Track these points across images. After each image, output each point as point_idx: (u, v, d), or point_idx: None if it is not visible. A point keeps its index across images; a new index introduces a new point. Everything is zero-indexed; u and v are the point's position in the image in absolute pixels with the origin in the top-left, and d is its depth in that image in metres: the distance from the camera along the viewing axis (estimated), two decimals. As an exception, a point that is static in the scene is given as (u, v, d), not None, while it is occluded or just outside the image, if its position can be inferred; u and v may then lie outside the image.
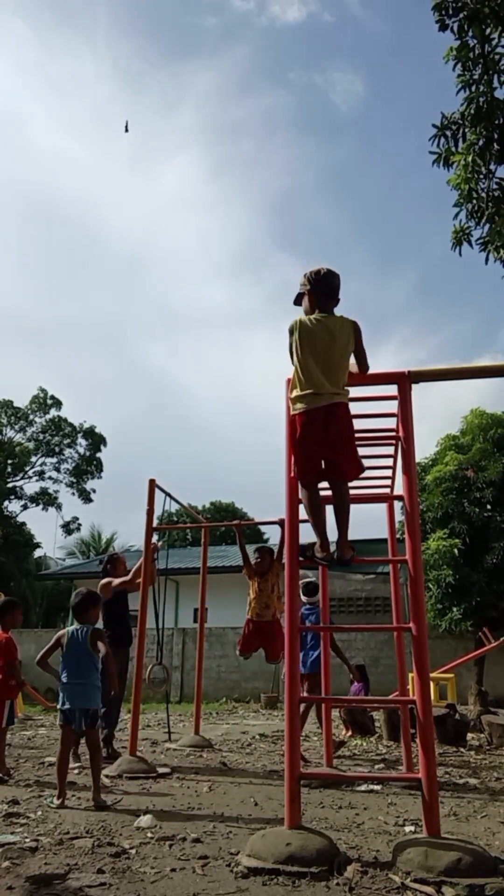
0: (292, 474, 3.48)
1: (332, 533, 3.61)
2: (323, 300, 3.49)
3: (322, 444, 3.33)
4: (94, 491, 29.73)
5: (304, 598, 6.72)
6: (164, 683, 7.14)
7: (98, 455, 29.95)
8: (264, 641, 6.26)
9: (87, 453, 29.86)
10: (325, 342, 3.37)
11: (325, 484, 3.64)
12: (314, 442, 3.32)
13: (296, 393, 3.38)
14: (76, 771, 5.25)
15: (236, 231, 67.57)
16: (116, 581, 6.29)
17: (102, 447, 30.10)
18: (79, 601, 4.66)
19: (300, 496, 3.53)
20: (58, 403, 29.61)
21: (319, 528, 3.49)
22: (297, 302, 3.62)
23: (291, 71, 64.30)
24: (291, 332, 3.44)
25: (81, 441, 29.84)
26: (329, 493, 3.58)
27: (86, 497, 29.61)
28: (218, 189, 67.94)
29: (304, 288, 3.54)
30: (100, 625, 5.33)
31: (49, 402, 29.51)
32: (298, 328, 3.41)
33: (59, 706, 4.42)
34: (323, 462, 3.43)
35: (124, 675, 6.20)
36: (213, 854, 3.08)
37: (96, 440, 29.93)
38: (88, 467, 29.63)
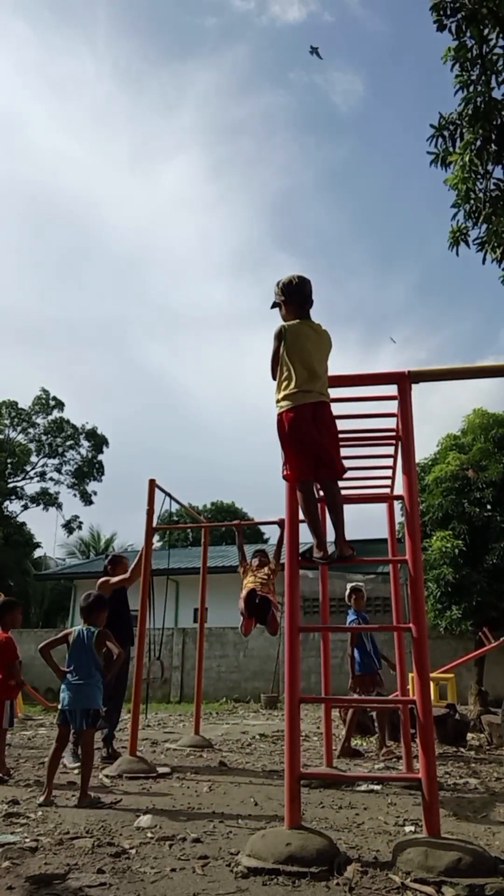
0: (285, 473, 3.50)
1: (331, 534, 3.62)
2: (298, 308, 3.61)
3: (311, 440, 3.40)
4: (94, 493, 29.79)
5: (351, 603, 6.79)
6: (158, 680, 7.09)
7: (100, 457, 29.97)
8: (261, 614, 6.02)
9: (90, 455, 29.86)
10: (313, 344, 3.50)
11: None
12: (304, 435, 3.38)
13: (283, 392, 3.45)
14: (76, 771, 5.25)
15: (236, 231, 67.64)
16: (114, 579, 6.27)
17: (104, 448, 30.13)
18: (89, 603, 4.69)
19: (297, 496, 3.55)
20: (60, 405, 29.63)
21: (316, 527, 3.53)
22: (274, 307, 3.74)
23: (291, 71, 64.40)
24: (279, 337, 3.52)
25: (84, 442, 29.86)
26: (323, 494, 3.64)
27: (87, 499, 29.63)
28: (218, 189, 68.02)
29: (279, 298, 3.65)
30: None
31: (51, 402, 29.54)
32: (286, 332, 3.51)
33: (59, 705, 4.44)
34: (314, 462, 3.48)
35: (125, 675, 6.17)
36: (213, 854, 3.08)
37: (98, 441, 29.92)
38: (90, 469, 29.62)
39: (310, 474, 3.50)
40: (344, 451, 4.77)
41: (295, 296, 3.60)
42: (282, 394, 3.45)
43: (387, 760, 6.20)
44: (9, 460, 27.95)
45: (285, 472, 3.52)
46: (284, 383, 3.46)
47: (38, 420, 29.51)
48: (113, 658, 4.69)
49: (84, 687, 4.38)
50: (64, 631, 4.70)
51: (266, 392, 3.74)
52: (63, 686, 4.45)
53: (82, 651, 4.48)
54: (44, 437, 29.44)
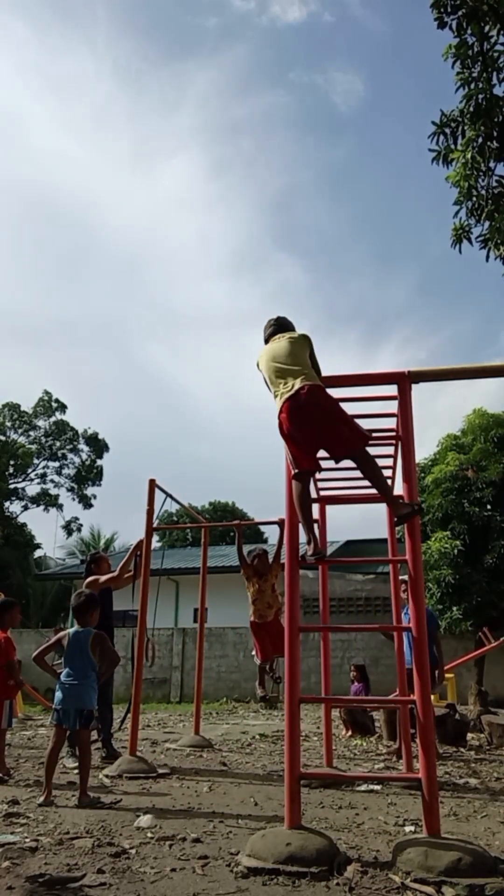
0: (295, 469, 3.53)
1: (334, 534, 3.60)
2: (266, 341, 4.00)
3: (310, 424, 3.49)
4: (94, 497, 29.82)
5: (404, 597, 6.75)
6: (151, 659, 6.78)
7: (100, 462, 29.99)
8: (272, 640, 6.08)
9: (89, 460, 29.89)
10: (281, 348, 3.76)
11: (327, 482, 3.67)
12: (302, 422, 3.48)
13: (276, 402, 3.62)
14: (75, 771, 5.25)
15: (236, 230, 67.62)
16: (103, 578, 6.15)
17: (105, 454, 30.16)
18: (80, 602, 4.68)
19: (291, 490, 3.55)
20: (62, 407, 29.67)
21: (307, 522, 3.56)
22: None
23: (292, 71, 64.28)
24: (258, 364, 3.87)
25: (84, 447, 29.90)
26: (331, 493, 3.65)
27: (86, 503, 29.64)
28: (218, 188, 67.98)
29: (269, 330, 4.01)
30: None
31: (54, 405, 29.57)
32: (261, 355, 3.86)
33: (53, 705, 4.44)
34: (322, 446, 3.57)
35: (111, 675, 6.09)
36: (213, 854, 3.07)
37: (98, 447, 29.95)
38: (89, 474, 29.65)
39: (306, 465, 3.54)
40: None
41: (280, 327, 4.00)
42: (277, 400, 3.63)
43: (387, 760, 6.19)
44: (11, 462, 27.97)
45: (295, 469, 3.56)
46: (274, 397, 3.68)
47: (40, 422, 29.57)
48: (110, 660, 4.68)
49: (78, 687, 4.38)
50: (56, 636, 4.69)
51: (266, 391, 3.77)
52: (57, 685, 4.45)
53: (77, 652, 4.48)
54: (45, 440, 29.47)
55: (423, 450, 14.15)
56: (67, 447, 29.56)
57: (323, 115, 65.49)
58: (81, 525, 30.09)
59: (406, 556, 3.36)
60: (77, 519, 29.98)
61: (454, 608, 11.30)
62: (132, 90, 68.68)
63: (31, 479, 29.38)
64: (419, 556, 3.34)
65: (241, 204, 69.11)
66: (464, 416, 12.99)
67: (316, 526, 4.97)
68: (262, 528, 35.87)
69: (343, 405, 3.63)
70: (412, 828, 3.60)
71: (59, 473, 29.61)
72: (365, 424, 4.33)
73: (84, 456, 29.87)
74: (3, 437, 28.50)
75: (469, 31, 6.09)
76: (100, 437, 30.04)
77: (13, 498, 28.52)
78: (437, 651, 6.59)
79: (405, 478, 3.50)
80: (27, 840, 3.27)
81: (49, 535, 66.85)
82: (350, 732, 8.26)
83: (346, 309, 69.00)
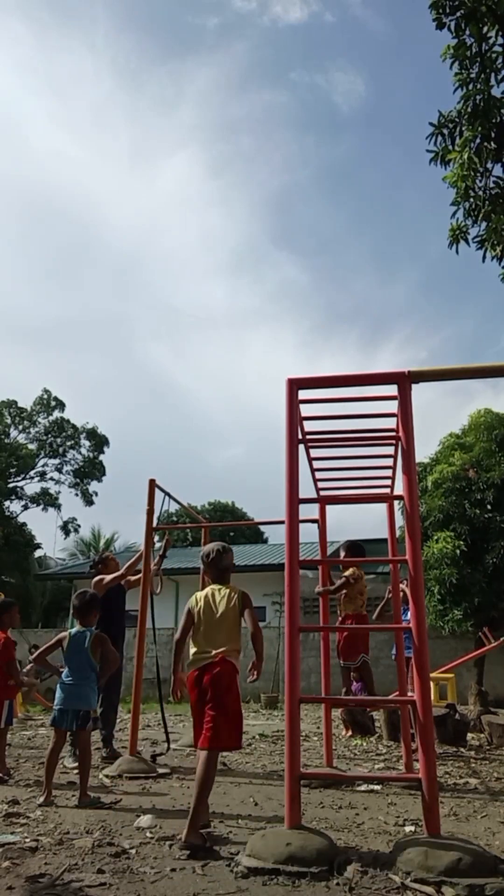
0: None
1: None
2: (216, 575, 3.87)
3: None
4: (95, 494, 29.82)
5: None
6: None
7: (101, 457, 30.00)
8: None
9: (91, 455, 29.90)
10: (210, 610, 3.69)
11: (327, 482, 3.65)
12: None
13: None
14: (75, 771, 5.25)
15: (236, 229, 67.55)
16: (108, 578, 6.18)
17: (105, 448, 30.17)
18: (83, 602, 4.69)
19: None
20: (61, 405, 29.69)
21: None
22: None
23: (293, 70, 64.22)
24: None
25: (84, 442, 29.90)
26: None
27: (88, 499, 29.64)
28: (217, 187, 67.91)
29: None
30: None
31: (53, 403, 29.59)
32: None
33: (54, 705, 4.45)
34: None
35: (119, 673, 6.10)
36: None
37: (98, 441, 29.97)
38: (91, 469, 29.66)
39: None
40: (344, 451, 4.78)
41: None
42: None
43: (388, 760, 6.19)
44: (14, 462, 27.95)
45: None
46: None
47: (40, 420, 29.56)
48: (109, 662, 4.67)
49: (77, 688, 4.38)
50: (57, 637, 4.69)
51: (266, 392, 3.76)
52: (57, 686, 4.46)
53: (77, 652, 4.48)
54: (44, 437, 29.47)
55: (424, 448, 14.12)
56: (68, 444, 29.57)
57: (323, 115, 65.47)
58: (79, 526, 30.09)
59: (406, 556, 3.37)
60: (75, 520, 29.98)
61: (456, 609, 11.30)
62: (131, 88, 68.65)
63: (31, 478, 29.39)
64: (419, 556, 3.34)
65: (240, 203, 69.09)
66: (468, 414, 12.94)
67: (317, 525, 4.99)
68: (262, 527, 36.00)
69: (345, 404, 3.63)
70: (412, 828, 3.60)
71: (59, 471, 29.64)
72: (365, 424, 4.36)
73: (85, 452, 29.91)
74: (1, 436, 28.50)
75: (467, 32, 6.10)
76: (99, 431, 30.11)
77: (13, 497, 28.51)
78: None
79: (406, 477, 3.50)
80: (27, 840, 3.28)
81: (49, 535, 66.93)
82: (350, 732, 8.26)
83: (347, 308, 68.95)
